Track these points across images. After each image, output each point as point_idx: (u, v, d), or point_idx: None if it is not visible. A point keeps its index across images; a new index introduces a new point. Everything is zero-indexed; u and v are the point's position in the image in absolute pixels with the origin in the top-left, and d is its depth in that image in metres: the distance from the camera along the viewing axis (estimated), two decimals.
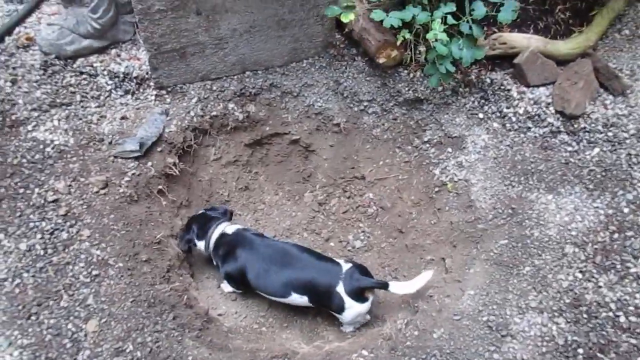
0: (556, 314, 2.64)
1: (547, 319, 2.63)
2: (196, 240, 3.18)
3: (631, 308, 2.58)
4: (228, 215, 3.32)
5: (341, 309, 2.93)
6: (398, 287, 2.93)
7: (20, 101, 3.18)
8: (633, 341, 2.49)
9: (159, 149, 3.32)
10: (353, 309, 2.93)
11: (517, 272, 2.85)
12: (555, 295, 2.71)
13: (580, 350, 2.51)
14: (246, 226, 3.38)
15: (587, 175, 3.13)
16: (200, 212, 3.30)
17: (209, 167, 3.67)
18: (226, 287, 3.34)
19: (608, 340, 2.52)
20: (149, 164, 3.26)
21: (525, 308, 2.69)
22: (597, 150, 3.20)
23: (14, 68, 3.31)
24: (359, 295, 2.91)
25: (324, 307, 3.07)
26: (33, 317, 2.52)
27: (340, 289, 2.89)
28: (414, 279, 2.96)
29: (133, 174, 3.17)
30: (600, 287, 2.69)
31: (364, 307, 2.96)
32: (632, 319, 2.55)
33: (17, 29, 3.51)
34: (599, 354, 2.48)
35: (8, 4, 3.66)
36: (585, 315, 2.61)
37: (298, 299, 3.00)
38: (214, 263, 3.24)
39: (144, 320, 2.63)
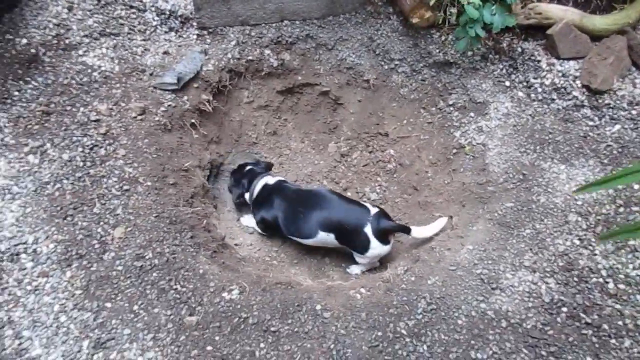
0: (547, 274, 2.75)
1: (537, 278, 2.75)
2: (245, 193, 3.51)
3: (621, 276, 2.66)
4: (269, 168, 3.62)
5: (365, 248, 3.15)
6: (418, 232, 3.17)
7: (74, 27, 3.45)
8: (618, 306, 2.58)
9: (195, 85, 3.55)
10: (376, 249, 3.15)
11: (517, 233, 2.95)
12: (550, 257, 2.81)
13: (565, 309, 2.62)
14: (285, 178, 3.61)
15: (604, 150, 3.16)
16: (248, 167, 3.56)
17: (240, 109, 3.88)
18: (245, 220, 3.60)
19: (593, 303, 2.61)
20: (185, 97, 3.50)
21: (519, 266, 2.81)
22: (617, 127, 3.22)
23: None
24: (383, 237, 3.13)
25: (348, 245, 3.28)
26: (69, 218, 2.83)
27: (368, 229, 3.09)
28: (431, 224, 3.20)
29: (169, 105, 3.41)
30: (595, 254, 2.77)
31: (386, 248, 3.19)
32: (621, 286, 2.64)
33: None
34: (581, 314, 2.59)
35: None
36: (575, 279, 2.71)
37: (325, 236, 3.23)
38: (252, 211, 3.54)
39: (164, 234, 2.90)
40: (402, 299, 2.75)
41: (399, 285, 2.90)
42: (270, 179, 3.47)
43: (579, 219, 2.93)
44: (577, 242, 2.84)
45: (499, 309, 2.67)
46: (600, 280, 2.68)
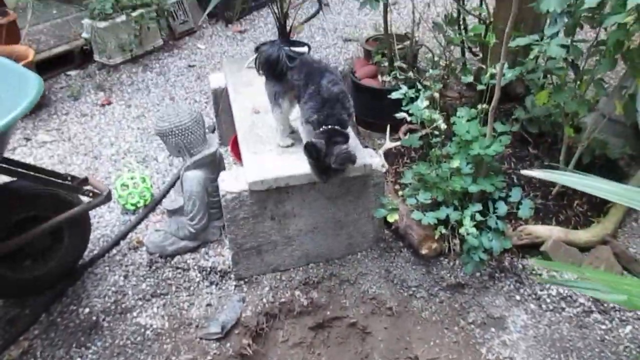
0: None
1: None
2: None
3: None
4: None
5: None
6: None
7: (130, 292, 3.94)
8: None
9: (236, 332, 3.89)
10: None
11: None
12: None
13: None
14: None
15: (623, 351, 3.39)
16: None
17: (277, 348, 4.14)
18: None
19: None
20: (228, 344, 3.80)
21: None
22: (629, 327, 3.50)
23: (126, 266, 4.15)
24: None
25: None
26: None
27: None
28: None
29: (215, 353, 3.70)
30: None
31: None
32: None
33: (129, 235, 4.46)
34: None
35: (124, 214, 4.68)
36: None
37: None
38: None
39: None
40: None
41: None
42: None
43: None
44: None
45: None
46: None
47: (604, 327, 3.57)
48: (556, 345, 3.56)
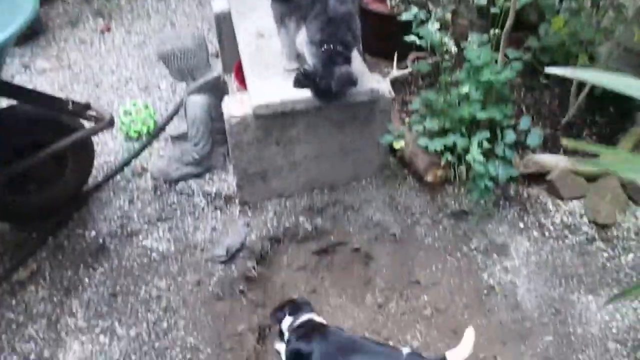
0: None
1: None
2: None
3: None
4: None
5: None
6: (454, 355, 3.11)
7: (135, 216, 3.96)
8: None
9: (241, 255, 3.94)
10: None
11: None
12: None
13: None
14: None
15: (625, 278, 3.43)
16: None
17: (281, 272, 4.22)
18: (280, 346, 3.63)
19: None
20: (233, 267, 3.86)
21: None
22: (631, 255, 3.53)
23: (131, 191, 4.16)
24: None
25: None
26: None
27: None
28: (462, 342, 3.14)
29: (220, 275, 3.76)
30: None
31: None
32: None
33: (133, 162, 4.43)
34: None
35: (127, 142, 4.64)
36: None
37: None
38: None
39: None
40: None
41: None
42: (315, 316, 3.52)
43: (618, 346, 3.09)
44: None
45: None
46: None
47: (605, 254, 3.59)
48: (557, 271, 3.60)
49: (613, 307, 3.27)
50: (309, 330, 3.53)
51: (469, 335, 3.25)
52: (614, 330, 3.16)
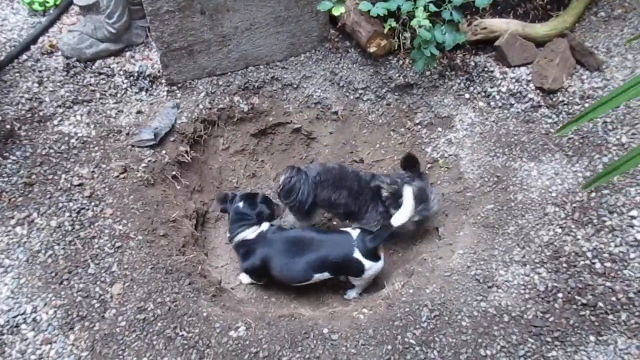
0: (538, 265, 2.87)
1: (529, 270, 2.86)
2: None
3: (606, 255, 2.80)
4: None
5: (361, 271, 3.19)
6: (398, 218, 3.12)
7: (47, 99, 3.53)
8: (608, 284, 2.71)
9: (171, 139, 3.64)
10: (372, 269, 3.20)
11: (502, 232, 3.08)
12: (537, 249, 2.94)
13: (560, 295, 2.73)
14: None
15: (567, 143, 3.37)
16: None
17: (218, 156, 3.97)
18: (244, 278, 3.56)
19: (585, 285, 2.74)
20: (163, 152, 3.58)
21: (510, 262, 2.92)
22: None
23: (40, 71, 3.67)
24: (373, 255, 3.18)
25: (344, 274, 3.34)
26: (65, 283, 2.82)
27: (357, 254, 3.14)
28: (403, 205, 3.16)
29: (149, 160, 3.48)
30: (578, 239, 2.92)
31: (380, 264, 3.24)
32: (607, 264, 2.77)
33: (41, 38, 3.89)
34: (577, 297, 2.70)
35: (32, 16, 4.04)
36: (564, 265, 2.84)
37: (320, 277, 3.26)
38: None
39: (162, 284, 2.91)
40: (405, 311, 2.81)
41: (399, 299, 2.96)
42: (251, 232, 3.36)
43: (557, 209, 3.08)
44: (559, 231, 2.98)
45: (498, 305, 2.76)
46: (587, 262, 2.81)
47: (550, 120, 3.50)
48: (501, 140, 3.50)
49: (553, 172, 3.23)
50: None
51: (408, 195, 3.18)
52: (554, 194, 3.14)
